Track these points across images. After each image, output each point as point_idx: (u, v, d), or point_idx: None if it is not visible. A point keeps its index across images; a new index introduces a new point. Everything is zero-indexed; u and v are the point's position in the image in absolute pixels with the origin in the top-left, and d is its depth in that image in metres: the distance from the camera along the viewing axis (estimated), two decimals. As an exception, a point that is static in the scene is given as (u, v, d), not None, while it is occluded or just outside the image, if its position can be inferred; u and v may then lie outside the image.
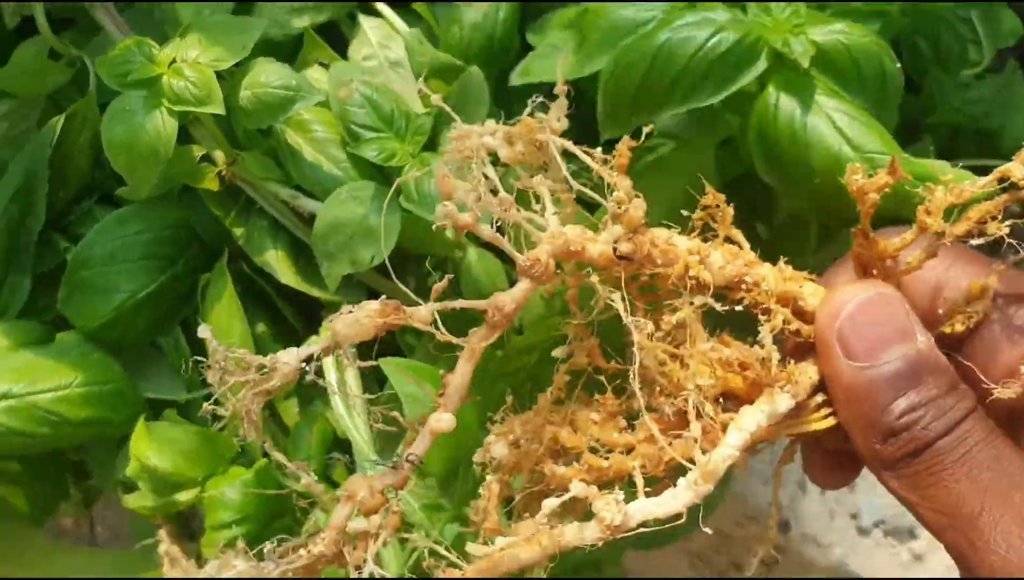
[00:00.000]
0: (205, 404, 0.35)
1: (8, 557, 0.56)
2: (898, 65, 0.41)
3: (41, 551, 0.57)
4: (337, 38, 0.52)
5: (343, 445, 0.50)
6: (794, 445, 0.38)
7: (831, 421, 0.36)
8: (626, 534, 0.33)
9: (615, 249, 0.33)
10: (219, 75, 0.44)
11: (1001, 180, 0.35)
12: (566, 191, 0.34)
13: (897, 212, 0.37)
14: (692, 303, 0.33)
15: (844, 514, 0.63)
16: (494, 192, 0.33)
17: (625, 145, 0.34)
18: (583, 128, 0.44)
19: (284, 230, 0.49)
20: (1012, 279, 0.37)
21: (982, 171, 0.79)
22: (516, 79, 0.47)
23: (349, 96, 0.46)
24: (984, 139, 0.78)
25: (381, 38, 0.52)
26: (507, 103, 0.53)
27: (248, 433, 0.36)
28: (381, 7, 0.52)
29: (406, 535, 0.39)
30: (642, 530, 0.32)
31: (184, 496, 0.49)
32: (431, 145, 0.48)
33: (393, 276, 0.35)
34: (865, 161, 0.39)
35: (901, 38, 0.73)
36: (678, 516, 0.33)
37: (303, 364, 0.35)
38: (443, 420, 0.34)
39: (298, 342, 0.49)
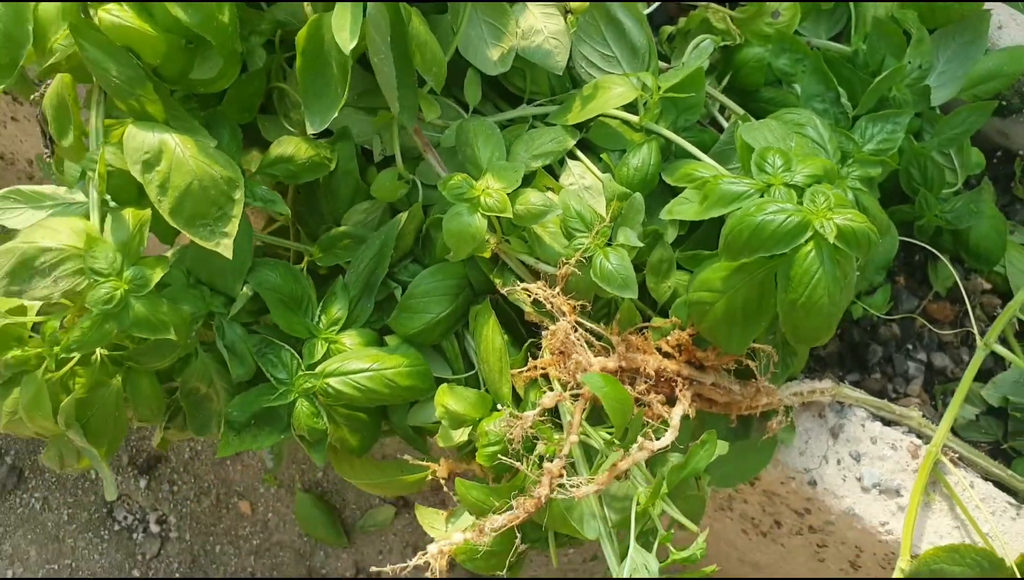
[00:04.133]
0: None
1: (341, 467, 0.91)
2: (879, 239, 0.76)
3: (351, 464, 0.92)
4: (551, 171, 0.89)
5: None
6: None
7: None
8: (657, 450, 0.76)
9: (620, 365, 0.79)
10: (499, 195, 0.81)
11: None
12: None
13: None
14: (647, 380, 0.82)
15: (852, 478, 0.96)
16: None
17: (614, 325, 0.82)
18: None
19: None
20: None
21: (957, 260, 1.12)
22: (663, 215, 0.83)
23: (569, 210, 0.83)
24: (957, 236, 1.12)
25: (580, 172, 0.88)
26: (652, 211, 0.89)
27: (516, 442, 0.76)
28: (580, 156, 0.89)
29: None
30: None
31: (464, 434, 0.84)
32: (611, 240, 0.84)
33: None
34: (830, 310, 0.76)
35: (901, 167, 1.08)
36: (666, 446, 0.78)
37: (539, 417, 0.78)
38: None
39: (521, 346, 0.85)
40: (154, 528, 1.61)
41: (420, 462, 0.88)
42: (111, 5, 0.70)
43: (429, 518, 0.87)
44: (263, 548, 1.61)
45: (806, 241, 0.74)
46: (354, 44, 0.71)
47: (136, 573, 1.58)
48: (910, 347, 1.17)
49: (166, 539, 1.61)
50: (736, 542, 1.24)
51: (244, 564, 1.60)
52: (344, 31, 0.71)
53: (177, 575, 1.59)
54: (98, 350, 0.79)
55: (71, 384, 0.79)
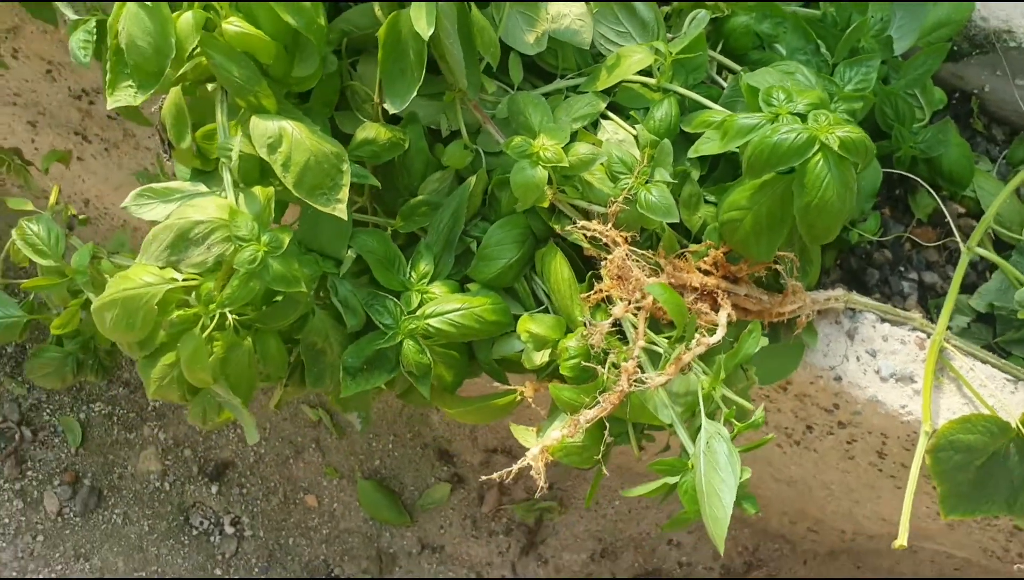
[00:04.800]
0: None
1: (439, 402, 1.05)
2: (873, 146, 0.93)
3: (447, 398, 1.06)
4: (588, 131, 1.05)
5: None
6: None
7: None
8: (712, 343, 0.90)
9: (670, 281, 0.92)
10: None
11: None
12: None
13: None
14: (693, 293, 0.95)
15: (872, 371, 1.12)
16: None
17: (661, 250, 0.98)
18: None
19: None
20: None
21: (934, 188, 1.29)
22: (691, 153, 0.99)
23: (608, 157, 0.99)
24: (931, 164, 1.29)
25: (613, 129, 1.04)
26: (676, 157, 1.05)
27: (597, 346, 0.91)
28: (612, 115, 1.05)
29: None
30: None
31: (545, 355, 0.99)
32: (649, 179, 1.00)
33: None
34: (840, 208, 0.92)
35: (875, 107, 1.25)
36: (719, 342, 0.93)
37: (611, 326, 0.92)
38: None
39: (583, 280, 1.00)
40: (229, 530, 1.74)
41: (508, 387, 1.02)
42: (232, 17, 0.86)
43: (522, 434, 1.01)
44: (332, 536, 1.74)
45: (815, 153, 0.90)
46: (431, 31, 0.87)
47: (218, 572, 1.71)
48: (902, 269, 1.34)
49: (242, 538, 1.74)
50: (772, 459, 1.40)
51: (317, 552, 1.73)
52: (422, 20, 0.87)
53: (256, 569, 1.72)
54: (230, 316, 0.94)
55: (211, 348, 0.93)
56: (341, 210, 0.90)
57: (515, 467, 0.95)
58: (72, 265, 1.09)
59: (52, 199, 1.15)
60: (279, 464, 1.77)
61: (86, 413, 1.79)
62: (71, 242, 1.13)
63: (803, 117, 0.94)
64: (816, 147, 0.90)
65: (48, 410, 1.79)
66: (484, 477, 0.96)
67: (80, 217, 1.19)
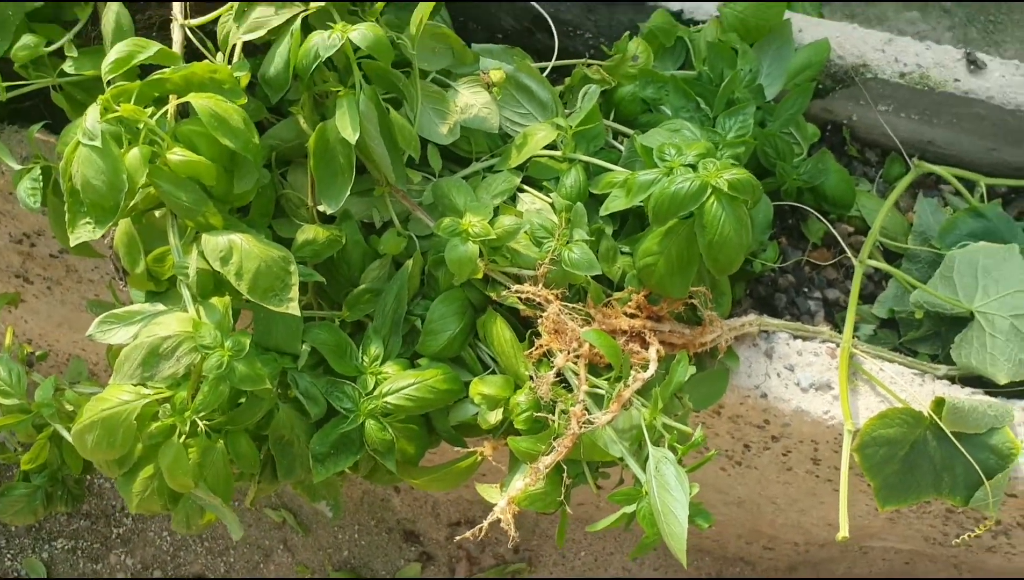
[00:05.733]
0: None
1: (405, 475, 1.12)
2: (759, 184, 1.05)
3: (412, 471, 1.13)
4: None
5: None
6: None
7: None
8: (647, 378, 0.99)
9: (601, 327, 1.02)
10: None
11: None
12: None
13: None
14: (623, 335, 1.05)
15: (792, 384, 1.23)
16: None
17: (590, 301, 1.08)
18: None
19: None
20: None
21: (822, 211, 1.43)
22: (603, 211, 1.11)
23: (529, 226, 1.09)
24: (815, 192, 1.42)
25: (530, 200, 1.15)
26: (591, 216, 1.16)
27: (545, 396, 1.00)
28: (527, 188, 1.15)
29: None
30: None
31: (498, 414, 1.07)
32: (570, 240, 1.10)
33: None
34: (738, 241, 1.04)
35: (757, 149, 1.38)
36: (653, 376, 1.02)
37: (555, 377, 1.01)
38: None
39: (523, 339, 1.10)
40: (209, 645, 1.75)
41: (468, 450, 1.10)
42: (175, 148, 0.94)
43: (487, 491, 1.09)
44: (312, 633, 1.77)
45: (708, 196, 1.02)
46: (357, 136, 0.96)
47: None
48: (806, 290, 1.46)
49: (222, 651, 1.75)
50: (718, 484, 1.49)
51: (299, 652, 1.75)
52: (347, 128, 0.96)
53: (241, 680, 1.73)
54: (200, 423, 1.00)
55: (188, 454, 0.99)
56: (294, 308, 0.97)
57: (485, 523, 1.03)
58: (37, 400, 1.14)
59: (8, 340, 1.20)
60: (250, 570, 1.79)
61: (49, 551, 1.79)
62: (32, 378, 1.18)
63: (694, 167, 1.06)
64: (709, 191, 1.02)
65: (9, 555, 1.78)
66: (459, 537, 1.03)
67: (38, 353, 1.24)
